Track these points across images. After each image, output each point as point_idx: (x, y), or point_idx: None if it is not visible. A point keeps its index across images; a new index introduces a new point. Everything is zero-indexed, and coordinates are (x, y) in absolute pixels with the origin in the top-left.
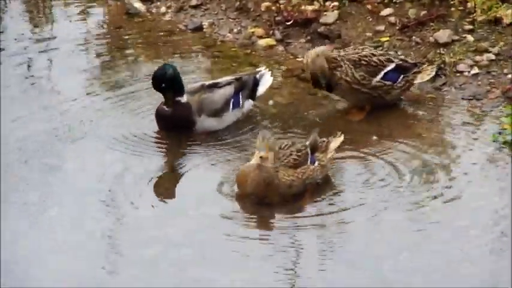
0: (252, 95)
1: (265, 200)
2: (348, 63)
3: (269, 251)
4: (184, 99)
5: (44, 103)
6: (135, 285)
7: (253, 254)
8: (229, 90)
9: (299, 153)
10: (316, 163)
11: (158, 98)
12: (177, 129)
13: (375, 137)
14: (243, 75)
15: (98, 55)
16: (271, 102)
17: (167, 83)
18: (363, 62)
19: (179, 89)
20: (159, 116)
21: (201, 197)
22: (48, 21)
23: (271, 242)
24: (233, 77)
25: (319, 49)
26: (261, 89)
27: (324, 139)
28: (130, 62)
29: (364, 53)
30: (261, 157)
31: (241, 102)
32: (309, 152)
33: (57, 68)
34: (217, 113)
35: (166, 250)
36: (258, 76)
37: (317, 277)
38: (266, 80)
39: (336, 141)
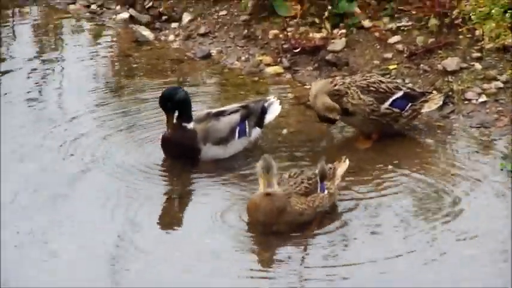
0: (259, 122)
1: (273, 228)
2: (354, 88)
3: (277, 277)
4: (190, 125)
5: (51, 130)
6: None
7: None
8: (235, 118)
9: (310, 182)
10: (326, 192)
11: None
12: (182, 156)
13: (390, 166)
14: (250, 103)
15: (106, 83)
16: (285, 131)
17: (174, 104)
18: (371, 88)
19: (187, 115)
20: (165, 142)
21: (207, 225)
22: (57, 49)
23: (278, 268)
24: (240, 105)
25: (317, 88)
26: (269, 117)
27: (330, 165)
28: (139, 90)
29: (372, 79)
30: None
31: (247, 131)
32: (319, 180)
33: (65, 95)
34: (222, 141)
35: (172, 276)
36: (266, 104)
37: None
38: (275, 109)
39: (342, 167)
